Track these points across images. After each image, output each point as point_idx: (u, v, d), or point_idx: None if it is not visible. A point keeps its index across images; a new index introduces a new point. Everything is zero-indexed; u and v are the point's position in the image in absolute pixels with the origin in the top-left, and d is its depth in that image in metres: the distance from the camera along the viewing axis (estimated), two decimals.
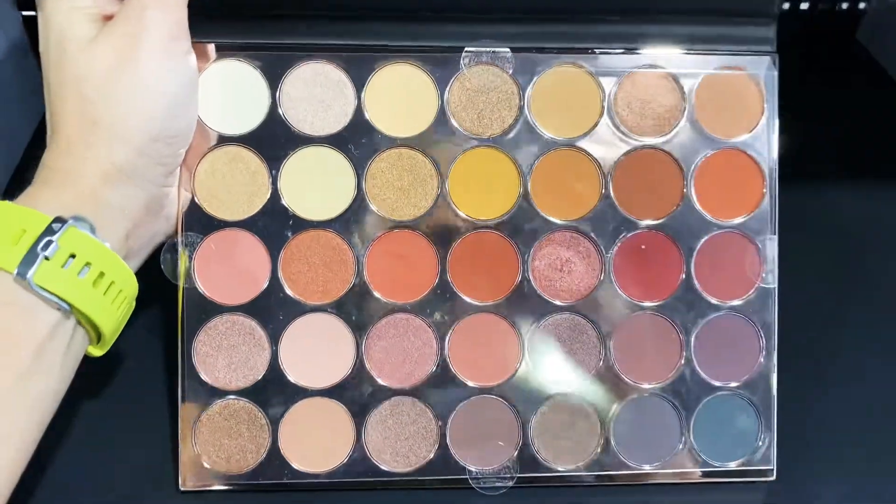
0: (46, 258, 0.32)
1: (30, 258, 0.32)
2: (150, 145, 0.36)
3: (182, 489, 0.41)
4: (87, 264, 0.33)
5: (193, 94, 0.38)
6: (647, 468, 0.42)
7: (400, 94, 0.41)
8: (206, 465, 0.41)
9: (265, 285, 0.41)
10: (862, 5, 0.59)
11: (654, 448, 0.42)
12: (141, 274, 0.38)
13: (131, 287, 0.36)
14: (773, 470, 0.42)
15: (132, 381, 0.42)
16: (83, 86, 0.35)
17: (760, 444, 0.42)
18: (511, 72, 0.41)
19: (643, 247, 0.42)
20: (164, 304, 0.41)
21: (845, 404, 0.45)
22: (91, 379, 0.41)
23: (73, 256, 0.33)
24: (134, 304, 0.37)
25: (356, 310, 0.41)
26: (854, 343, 0.46)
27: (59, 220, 0.33)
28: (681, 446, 0.42)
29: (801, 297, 0.43)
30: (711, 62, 0.42)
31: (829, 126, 0.47)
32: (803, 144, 0.44)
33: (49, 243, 0.32)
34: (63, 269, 0.33)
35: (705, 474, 0.42)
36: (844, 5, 0.59)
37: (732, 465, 0.42)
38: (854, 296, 0.47)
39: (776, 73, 0.42)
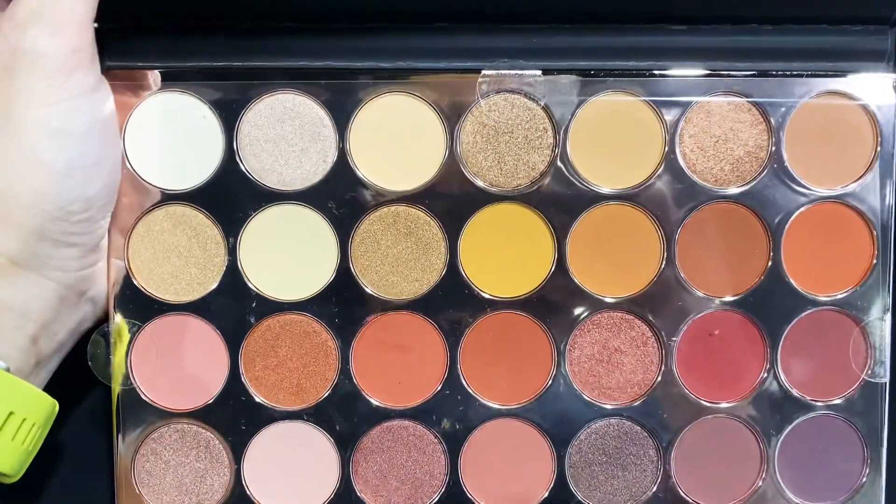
0: None
1: None
2: (50, 226, 0.27)
3: None
4: None
5: (109, 149, 0.29)
6: None
7: (396, 135, 0.31)
8: None
9: (222, 386, 0.32)
10: None
11: None
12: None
13: (45, 412, 0.28)
14: None
15: (66, 496, 0.34)
16: None
17: None
18: (543, 102, 0.31)
19: (716, 332, 0.33)
20: (96, 407, 0.32)
21: None
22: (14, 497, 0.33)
23: None
24: (52, 421, 0.29)
25: (341, 416, 0.32)
26: None
27: None
28: None
29: None
30: (806, 86, 0.31)
31: None
32: None
33: None
34: None
35: None
36: None
37: None
38: None
39: (895, 100, 0.32)
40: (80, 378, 0.31)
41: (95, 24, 0.27)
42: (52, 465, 0.33)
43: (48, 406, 0.28)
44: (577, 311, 0.32)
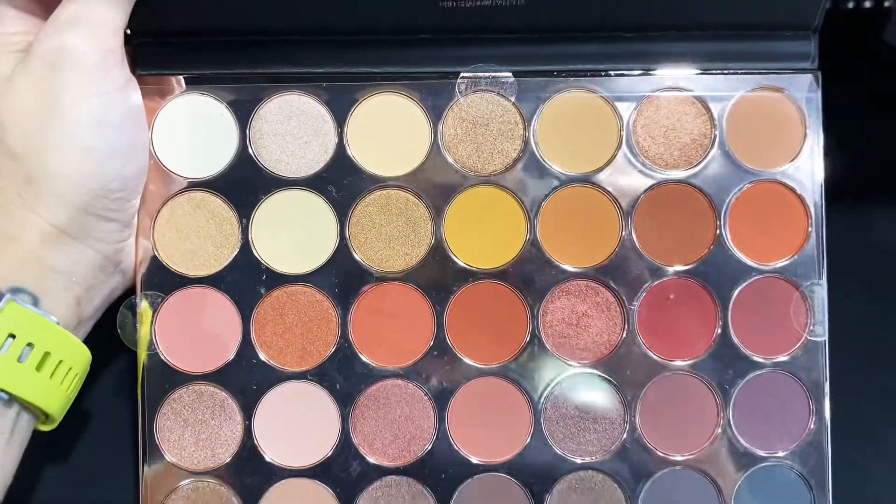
0: None
1: None
2: (93, 202, 0.31)
3: None
4: (29, 345, 0.29)
5: (139, 137, 0.33)
6: None
7: (387, 128, 0.36)
8: None
9: (236, 351, 0.36)
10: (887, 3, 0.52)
11: None
12: (95, 333, 0.33)
13: (82, 361, 0.32)
14: None
15: (88, 460, 0.37)
16: (7, 137, 0.30)
17: None
18: (514, 99, 0.36)
19: (671, 296, 0.36)
20: (124, 367, 0.36)
21: None
22: (43, 458, 0.36)
23: (12, 337, 0.28)
24: (85, 375, 0.32)
25: (341, 377, 0.36)
26: None
27: None
28: None
29: (855, 352, 0.37)
30: (744, 83, 0.36)
31: (880, 149, 0.41)
32: (852, 173, 0.38)
33: None
34: (1, 355, 0.28)
35: None
36: (868, 3, 0.52)
37: None
38: None
39: (819, 94, 0.36)
40: (104, 348, 0.34)
41: (127, 31, 0.32)
42: (80, 425, 0.37)
43: (85, 356, 0.32)
44: (548, 279, 0.36)
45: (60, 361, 0.30)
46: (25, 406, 0.30)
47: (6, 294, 0.29)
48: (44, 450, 0.33)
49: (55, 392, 0.30)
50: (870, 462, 0.39)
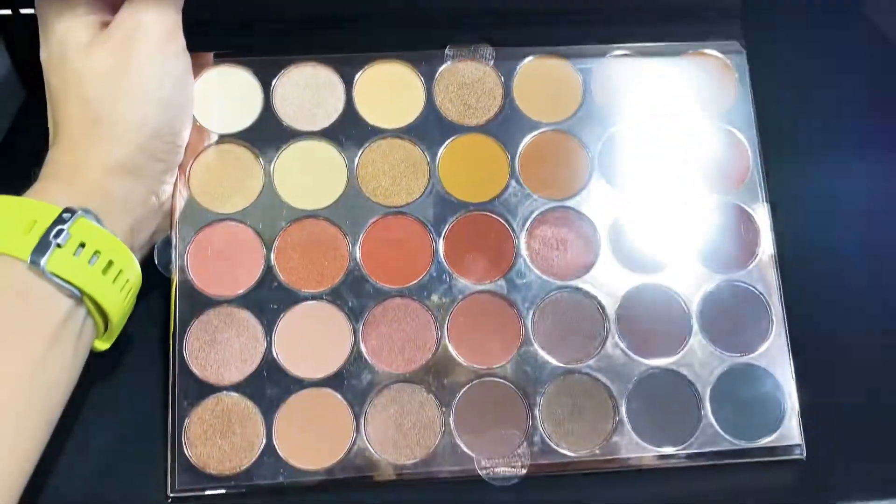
0: (59, 246, 0.33)
1: (42, 247, 0.32)
2: (148, 142, 0.37)
3: (171, 495, 0.38)
4: (97, 252, 0.34)
5: (187, 94, 0.40)
6: (667, 450, 0.39)
7: (389, 90, 0.43)
8: (196, 466, 0.38)
9: (259, 276, 0.40)
10: None
11: (672, 428, 0.40)
12: None
13: (137, 277, 0.36)
14: (801, 447, 0.40)
15: (118, 379, 0.40)
16: (83, 88, 0.36)
17: (785, 419, 0.40)
18: (492, 65, 0.43)
19: (641, 220, 0.42)
20: (151, 302, 0.40)
21: (873, 374, 0.42)
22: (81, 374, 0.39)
23: (82, 245, 0.34)
24: (136, 295, 0.37)
25: (352, 296, 0.40)
26: (870, 307, 0.44)
27: (69, 210, 0.34)
28: (700, 425, 0.40)
29: (803, 261, 0.42)
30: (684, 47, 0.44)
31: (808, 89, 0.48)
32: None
33: (60, 232, 0.33)
34: (74, 257, 0.33)
35: (728, 454, 0.39)
36: None
37: (757, 444, 0.40)
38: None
39: (744, 55, 0.44)
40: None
41: None
42: (113, 346, 0.41)
43: (139, 272, 0.36)
44: (531, 210, 0.42)
45: (121, 271, 0.35)
46: (90, 311, 0.34)
47: (78, 210, 0.34)
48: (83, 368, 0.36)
49: (117, 297, 0.35)
50: (831, 358, 0.42)
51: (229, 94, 0.42)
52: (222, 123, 0.42)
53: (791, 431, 0.40)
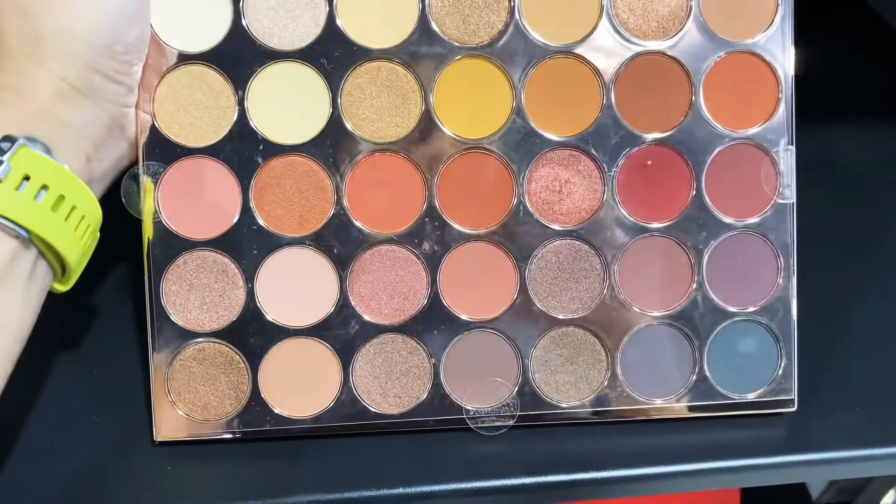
0: None
1: None
2: (100, 61, 0.33)
3: (157, 440, 0.38)
4: (44, 187, 0.31)
5: (143, 4, 0.34)
6: (657, 402, 0.39)
7: (376, 0, 0.37)
8: (181, 413, 0.38)
9: (236, 217, 0.37)
10: None
11: (665, 380, 0.39)
12: (102, 206, 0.34)
13: (95, 214, 0.33)
14: (793, 400, 0.39)
15: (96, 327, 0.39)
16: None
17: (779, 373, 0.39)
18: None
19: (649, 163, 0.38)
20: (125, 242, 0.37)
21: (871, 330, 0.41)
22: (50, 325, 0.38)
23: (27, 178, 0.30)
24: (98, 235, 0.34)
25: (337, 241, 0.38)
26: (879, 263, 0.43)
27: (9, 138, 0.30)
28: (694, 378, 0.39)
29: (820, 215, 0.40)
30: None
31: (848, 21, 0.43)
32: (821, 45, 0.40)
33: None
34: (17, 192, 0.30)
35: (720, 407, 0.39)
36: None
37: (750, 397, 0.39)
38: (879, 213, 0.43)
39: None
40: (107, 223, 0.35)
41: None
42: (88, 294, 0.39)
43: (97, 209, 0.33)
44: (533, 148, 0.38)
45: (74, 207, 0.32)
46: (43, 253, 0.31)
47: (20, 139, 0.30)
48: (51, 318, 0.34)
49: (71, 237, 0.32)
50: (832, 316, 0.42)
51: (192, 3, 0.36)
52: (185, 40, 0.37)
53: (784, 385, 0.39)
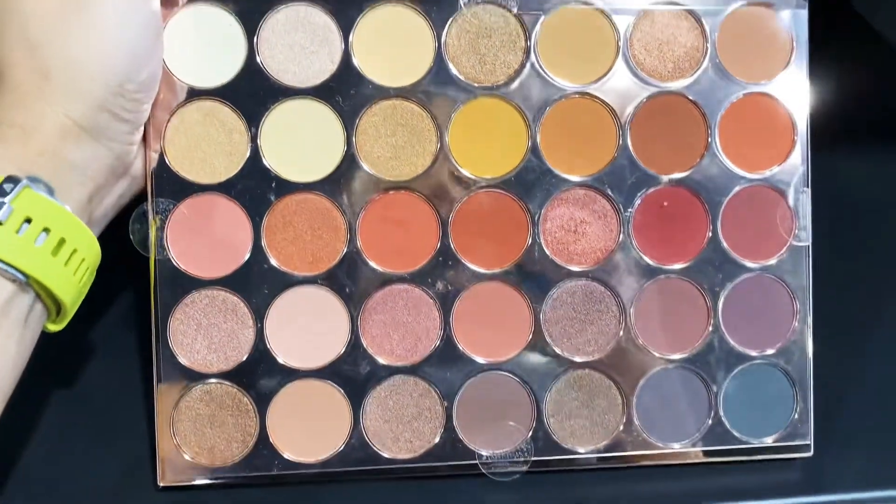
0: None
1: None
2: (109, 99, 0.32)
3: (161, 485, 0.36)
4: (46, 230, 0.30)
5: (156, 42, 0.34)
6: (674, 447, 0.38)
7: (392, 39, 0.37)
8: (187, 457, 0.37)
9: (247, 256, 0.37)
10: None
11: (681, 425, 0.38)
12: (108, 244, 0.33)
13: (95, 255, 0.32)
14: (809, 445, 0.39)
15: (103, 367, 0.38)
16: (29, 30, 0.30)
17: (796, 417, 0.39)
18: (516, 10, 0.37)
19: (665, 204, 0.38)
20: (134, 279, 0.37)
21: (887, 372, 0.41)
22: (57, 365, 0.37)
23: (28, 221, 0.29)
24: (95, 273, 0.33)
25: (349, 281, 0.37)
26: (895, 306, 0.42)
27: (12, 179, 0.29)
28: (710, 422, 0.38)
29: (836, 257, 0.40)
30: None
31: (865, 63, 0.43)
32: (837, 86, 0.40)
33: (0, 205, 0.28)
34: (17, 236, 0.29)
35: (737, 452, 0.39)
36: None
37: (766, 441, 0.39)
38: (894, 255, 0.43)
39: (806, 10, 0.38)
40: (115, 260, 0.34)
41: None
42: (92, 332, 0.38)
43: (96, 249, 0.32)
44: (548, 187, 0.38)
45: (75, 250, 0.31)
46: (39, 295, 0.31)
47: (23, 180, 0.29)
48: (56, 359, 0.33)
49: (69, 280, 0.31)
50: (849, 359, 0.41)
51: (205, 39, 0.36)
52: (199, 76, 0.36)
53: (800, 429, 0.39)
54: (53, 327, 0.33)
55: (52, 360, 0.32)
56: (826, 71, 0.40)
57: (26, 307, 0.30)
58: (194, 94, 0.36)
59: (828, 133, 0.39)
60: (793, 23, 0.38)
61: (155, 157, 0.36)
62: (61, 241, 0.30)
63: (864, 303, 0.42)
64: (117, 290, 0.38)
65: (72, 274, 0.31)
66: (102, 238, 0.33)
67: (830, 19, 0.40)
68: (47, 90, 0.31)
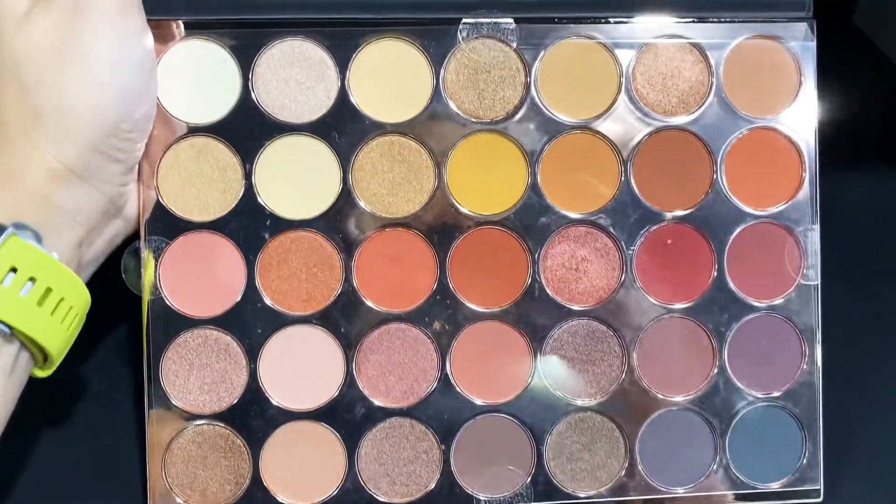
0: None
1: None
2: (102, 141, 0.31)
3: None
4: (31, 279, 0.29)
5: (150, 81, 0.33)
6: (678, 491, 0.37)
7: (389, 74, 0.36)
8: (179, 500, 0.36)
9: (241, 295, 0.36)
10: None
11: (686, 469, 0.37)
12: (100, 282, 0.33)
13: (83, 302, 0.32)
14: (819, 490, 0.38)
15: (93, 406, 0.38)
16: (20, 72, 0.30)
17: (804, 461, 0.37)
18: (515, 45, 0.36)
19: (669, 241, 0.37)
20: (126, 318, 0.36)
21: None
22: (47, 405, 0.36)
23: (14, 270, 0.29)
24: (84, 318, 0.33)
25: (345, 320, 0.36)
26: None
27: None
28: (715, 466, 0.37)
29: (846, 296, 0.39)
30: (739, 30, 0.37)
31: (874, 98, 0.42)
32: (846, 121, 0.39)
33: None
34: (2, 286, 0.28)
35: (743, 497, 0.37)
36: None
37: (774, 487, 0.38)
38: None
39: (814, 43, 0.37)
40: (106, 298, 0.34)
41: None
42: (83, 372, 0.37)
43: (85, 296, 0.31)
44: (549, 225, 0.37)
45: (62, 299, 0.30)
46: (25, 344, 0.30)
47: (9, 228, 0.29)
48: (47, 399, 0.33)
49: (56, 330, 0.30)
50: (859, 402, 0.40)
51: (200, 75, 0.35)
52: (193, 112, 0.36)
53: (809, 475, 0.38)
54: (41, 373, 0.32)
55: (41, 397, 0.32)
56: (833, 101, 0.39)
57: (11, 357, 0.29)
58: (189, 130, 0.35)
59: (837, 167, 0.38)
60: (800, 55, 0.37)
61: (149, 194, 0.35)
62: (48, 291, 0.29)
63: (876, 343, 0.41)
64: (109, 325, 0.38)
65: (58, 323, 0.30)
66: (95, 273, 0.33)
67: (835, 43, 0.38)
68: (36, 132, 0.30)
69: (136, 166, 0.34)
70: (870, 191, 0.42)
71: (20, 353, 0.30)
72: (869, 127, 0.42)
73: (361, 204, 0.36)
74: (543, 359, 0.37)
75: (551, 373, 0.37)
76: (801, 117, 0.37)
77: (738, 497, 0.37)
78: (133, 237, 0.35)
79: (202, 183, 0.36)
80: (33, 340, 0.30)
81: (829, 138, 0.38)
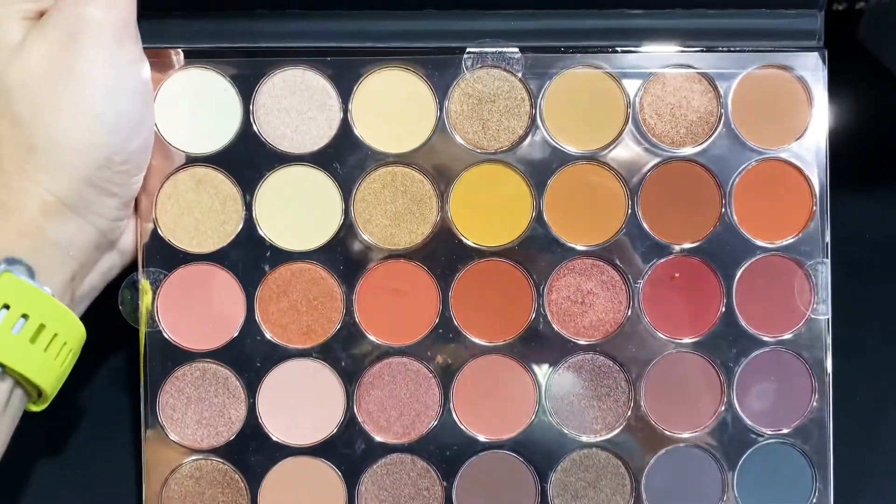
0: None
1: None
2: (97, 174, 0.30)
3: None
4: (24, 316, 0.29)
5: (146, 112, 0.32)
6: None
7: (392, 104, 0.36)
8: None
9: (240, 327, 0.35)
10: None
11: None
12: (97, 314, 0.32)
13: (77, 337, 0.31)
14: None
15: (89, 440, 0.37)
16: (14, 102, 0.29)
17: (814, 500, 0.37)
18: (520, 75, 0.36)
19: (676, 275, 0.36)
20: (123, 350, 0.35)
21: None
22: (43, 439, 0.36)
23: (6, 307, 0.28)
24: (79, 353, 0.32)
25: (345, 354, 0.36)
26: None
27: None
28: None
29: (857, 331, 0.38)
30: (749, 60, 0.36)
31: (887, 129, 0.41)
32: (858, 153, 0.38)
33: None
34: None
35: None
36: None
37: None
38: None
39: (825, 73, 0.36)
40: (104, 330, 0.33)
41: None
42: (79, 404, 0.37)
43: (80, 331, 0.31)
44: (554, 257, 0.36)
45: (55, 335, 0.30)
46: (18, 381, 0.29)
47: (1, 264, 0.28)
48: (43, 432, 0.32)
49: (49, 366, 0.30)
50: (871, 440, 0.39)
51: (199, 104, 0.35)
52: (192, 142, 0.35)
53: None
54: (35, 408, 0.31)
55: (36, 432, 0.31)
56: (845, 130, 0.38)
57: (5, 394, 0.29)
58: (188, 160, 0.35)
59: (848, 198, 0.38)
60: (811, 85, 0.36)
61: (147, 226, 0.35)
62: (41, 327, 0.29)
63: (887, 379, 0.40)
64: (106, 357, 0.37)
65: (52, 359, 0.29)
66: (92, 304, 0.32)
67: (847, 72, 0.38)
68: (29, 166, 0.30)
69: (133, 201, 0.34)
70: (882, 223, 0.41)
71: (14, 390, 0.29)
72: (884, 156, 0.41)
73: (363, 235, 0.36)
74: (548, 394, 0.36)
75: (556, 409, 0.36)
76: (812, 148, 0.37)
77: None
78: (131, 268, 0.35)
79: (201, 213, 0.35)
80: (26, 378, 0.29)
81: (842, 169, 0.37)
